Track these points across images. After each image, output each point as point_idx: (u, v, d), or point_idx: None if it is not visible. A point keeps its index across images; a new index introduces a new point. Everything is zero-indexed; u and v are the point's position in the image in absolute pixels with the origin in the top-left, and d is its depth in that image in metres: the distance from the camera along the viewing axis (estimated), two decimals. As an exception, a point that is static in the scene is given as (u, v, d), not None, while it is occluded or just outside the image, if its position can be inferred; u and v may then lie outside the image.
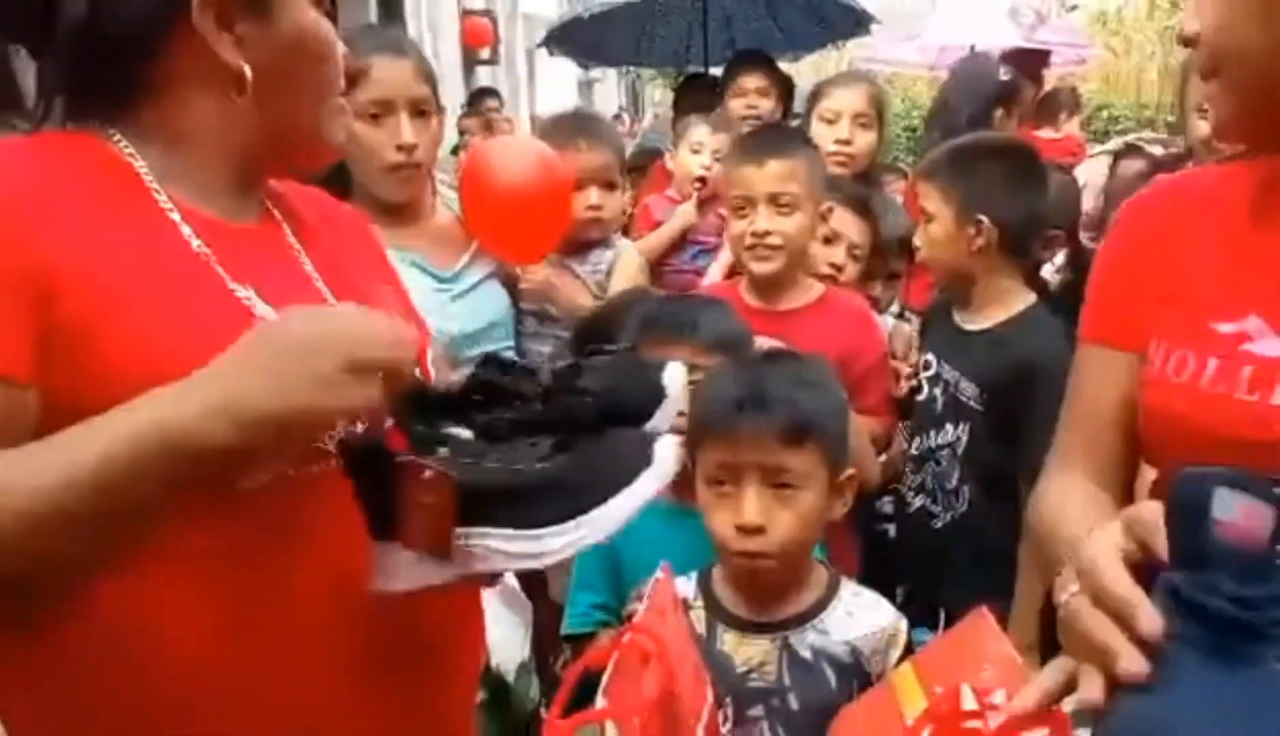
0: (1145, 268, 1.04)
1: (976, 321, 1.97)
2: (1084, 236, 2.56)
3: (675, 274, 2.66)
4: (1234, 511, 0.64)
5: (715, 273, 2.44)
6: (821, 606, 1.33)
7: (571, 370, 0.87)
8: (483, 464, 0.80)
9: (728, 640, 1.31)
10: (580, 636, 1.59)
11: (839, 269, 2.24)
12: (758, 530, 1.28)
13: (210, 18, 0.88)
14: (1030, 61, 4.34)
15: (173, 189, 0.90)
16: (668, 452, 0.82)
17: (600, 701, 0.86)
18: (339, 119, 0.98)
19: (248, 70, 0.89)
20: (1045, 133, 3.96)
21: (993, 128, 3.09)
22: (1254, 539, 0.64)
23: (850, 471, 1.38)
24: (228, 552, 0.84)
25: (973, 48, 4.19)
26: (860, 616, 1.33)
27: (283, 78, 0.92)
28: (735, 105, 3.28)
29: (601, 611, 1.59)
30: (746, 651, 1.30)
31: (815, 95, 2.93)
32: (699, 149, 2.86)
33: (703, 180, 2.77)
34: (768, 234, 1.98)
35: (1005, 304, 1.95)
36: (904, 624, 1.34)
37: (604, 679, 0.89)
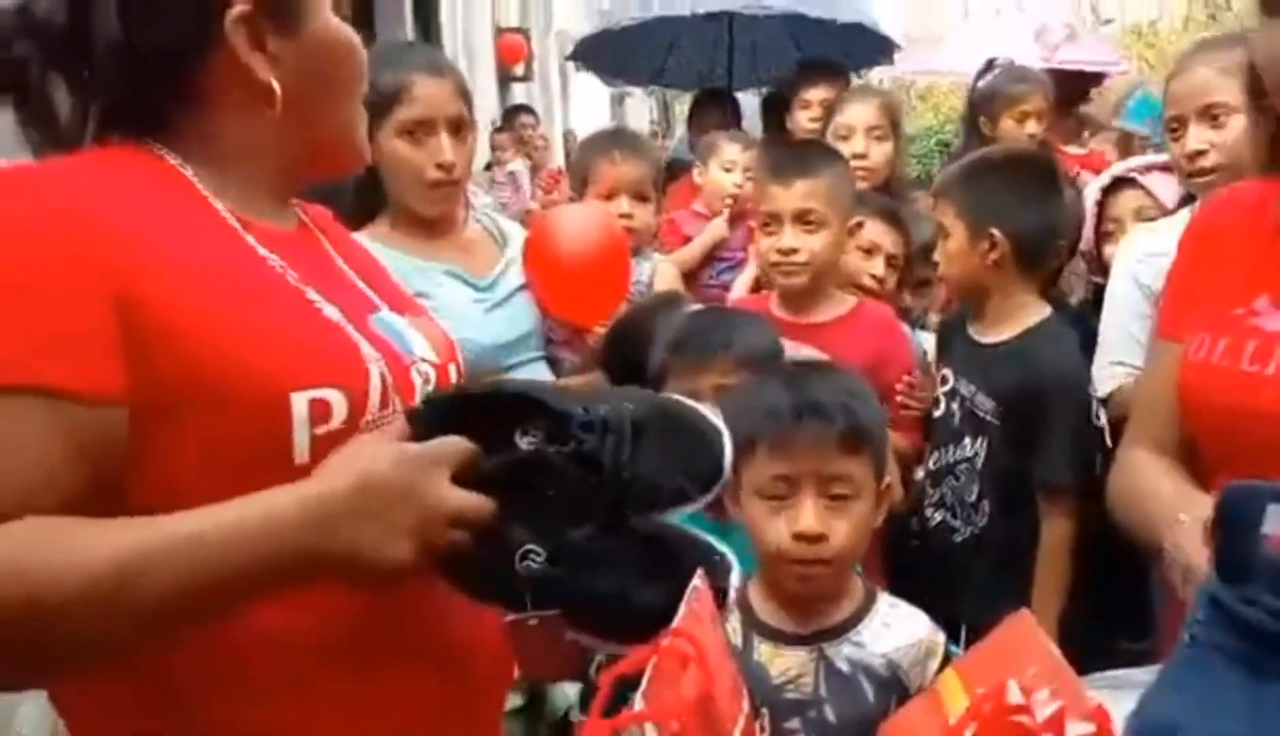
0: (1198, 272, 1.18)
1: (991, 335, 1.99)
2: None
3: (703, 288, 2.68)
4: None
5: (740, 286, 2.47)
6: (858, 618, 1.32)
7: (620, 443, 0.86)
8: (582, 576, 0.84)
9: (764, 651, 1.31)
10: None
11: (880, 281, 2.27)
12: (819, 538, 1.27)
13: (243, 36, 0.90)
14: (1069, 87, 4.29)
15: (221, 200, 0.92)
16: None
17: (639, 704, 0.86)
18: (363, 124, 1.01)
19: (277, 86, 0.91)
20: (1071, 149, 3.92)
21: (983, 138, 3.07)
22: None
23: (888, 480, 1.38)
24: None
25: (990, 62, 4.19)
26: (897, 628, 1.32)
27: (312, 88, 0.95)
28: (800, 117, 3.27)
29: None
30: (783, 663, 1.29)
31: (824, 113, 2.94)
32: (731, 167, 2.90)
33: (734, 197, 2.79)
34: (794, 251, 2.00)
35: (1020, 317, 1.96)
36: (941, 637, 1.33)
37: (643, 682, 0.89)
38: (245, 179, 0.94)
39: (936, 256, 2.07)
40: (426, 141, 1.84)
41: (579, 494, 0.84)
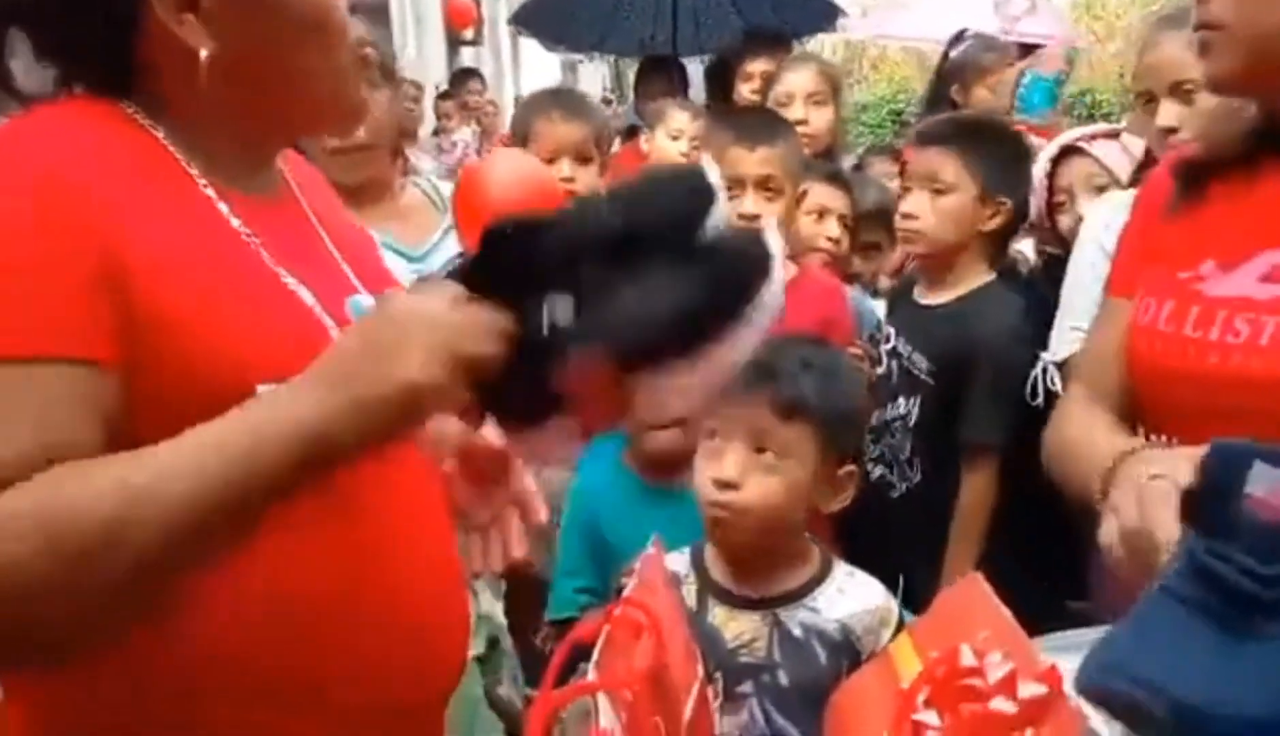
0: (1149, 232, 1.18)
1: (935, 297, 2.02)
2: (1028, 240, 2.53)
3: None
4: (1267, 487, 0.64)
5: None
6: (814, 584, 1.33)
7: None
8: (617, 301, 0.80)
9: (718, 614, 1.31)
10: (565, 621, 1.59)
11: (836, 242, 2.27)
12: (731, 485, 1.29)
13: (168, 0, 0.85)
14: (1029, 52, 4.33)
15: (195, 164, 0.88)
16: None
17: (591, 674, 0.85)
18: (357, 77, 0.95)
19: (204, 52, 0.85)
20: (1029, 118, 3.96)
21: (953, 106, 3.10)
22: None
23: (850, 468, 1.38)
24: (276, 520, 0.83)
25: (961, 34, 4.20)
26: (852, 594, 1.33)
27: (263, 46, 0.88)
28: (743, 89, 3.27)
29: (586, 594, 1.59)
30: (737, 626, 1.30)
31: (764, 83, 2.96)
32: (678, 135, 2.89)
33: None
34: (756, 217, 1.99)
35: (965, 281, 1.99)
36: (895, 605, 1.34)
37: (595, 652, 0.88)
38: (217, 143, 0.89)
39: (913, 208, 2.02)
40: None
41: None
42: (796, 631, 1.30)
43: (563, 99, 2.37)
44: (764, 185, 2.02)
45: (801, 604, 1.32)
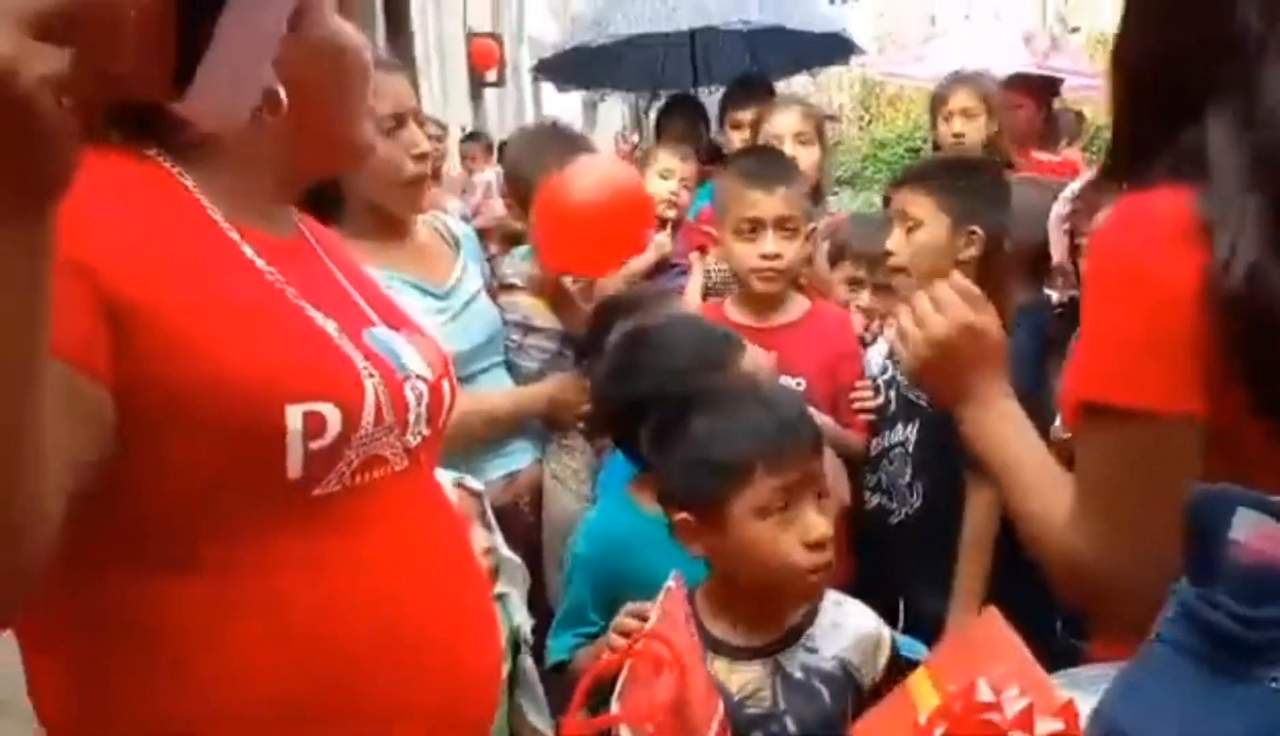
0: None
1: None
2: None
3: None
4: (1253, 533, 0.65)
5: (693, 294, 2.50)
6: (809, 621, 1.31)
7: None
8: None
9: (719, 667, 1.27)
10: (560, 665, 1.58)
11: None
12: (829, 541, 1.25)
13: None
14: (1040, 87, 4.37)
15: (218, 207, 0.90)
16: None
17: (614, 706, 0.87)
18: (367, 119, 0.99)
19: (282, 91, 0.88)
20: (1043, 155, 3.98)
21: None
22: (1268, 561, 0.65)
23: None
24: (291, 557, 0.85)
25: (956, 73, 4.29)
26: (845, 627, 1.31)
27: (315, 89, 0.92)
28: (734, 137, 3.38)
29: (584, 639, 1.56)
30: (740, 678, 1.27)
31: (754, 124, 3.04)
32: (668, 175, 2.93)
33: (674, 206, 2.85)
34: (777, 256, 2.03)
35: None
36: (887, 629, 1.34)
37: (618, 684, 0.89)
38: (245, 184, 0.93)
39: (891, 245, 2.05)
40: (400, 136, 1.80)
41: None
42: (798, 674, 1.28)
43: (562, 143, 2.39)
44: (783, 225, 2.06)
45: (800, 645, 1.29)
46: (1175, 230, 0.88)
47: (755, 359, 1.62)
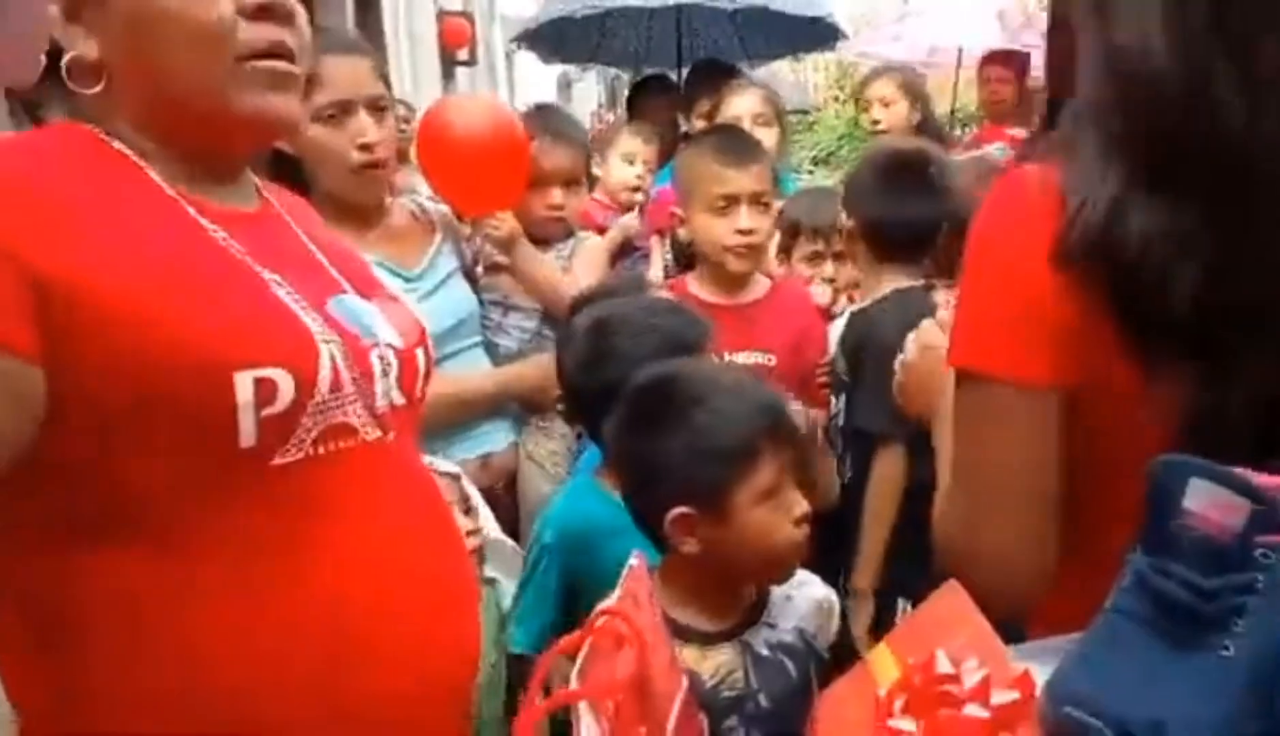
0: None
1: (855, 305, 2.17)
2: None
3: None
4: (1206, 503, 0.66)
5: (656, 273, 2.52)
6: (765, 598, 1.33)
7: None
8: None
9: (689, 655, 1.26)
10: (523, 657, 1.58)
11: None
12: (809, 517, 1.29)
13: (58, 11, 0.87)
14: (1017, 63, 4.38)
15: (166, 179, 0.90)
16: None
17: (574, 683, 0.86)
18: (250, 87, 0.92)
19: (88, 54, 0.87)
20: (1017, 131, 4.00)
21: None
22: (1223, 531, 0.66)
23: None
24: (259, 534, 0.84)
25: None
26: (797, 597, 1.35)
27: (140, 56, 0.89)
28: (697, 124, 3.41)
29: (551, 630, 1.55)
30: (712, 663, 1.27)
31: (712, 109, 3.06)
32: (631, 159, 2.93)
33: (637, 189, 2.85)
34: (752, 231, 2.03)
35: (878, 289, 2.09)
36: (833, 594, 1.38)
37: (578, 662, 0.89)
38: (180, 154, 0.91)
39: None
40: (346, 124, 1.79)
41: None
42: (765, 652, 1.29)
43: (550, 124, 2.36)
44: (757, 200, 2.07)
45: (763, 623, 1.31)
46: (1036, 204, 0.87)
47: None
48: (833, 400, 2.08)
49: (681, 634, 1.27)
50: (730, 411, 1.27)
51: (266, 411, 0.83)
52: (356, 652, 0.88)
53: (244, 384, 0.82)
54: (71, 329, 0.78)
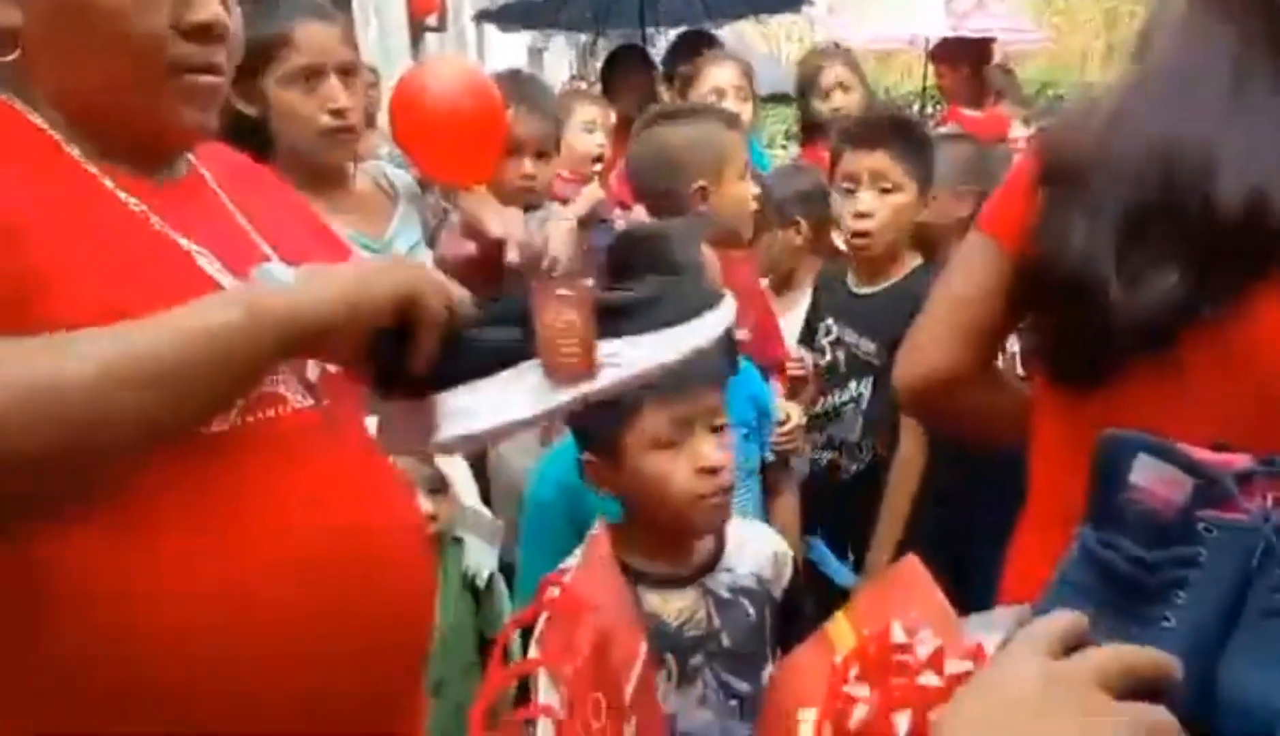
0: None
1: (871, 285, 2.13)
2: None
3: (591, 251, 2.68)
4: (1151, 477, 0.67)
5: None
6: (721, 546, 1.40)
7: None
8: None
9: (653, 599, 1.33)
10: None
11: None
12: (722, 468, 1.33)
13: None
14: (971, 50, 4.40)
15: (74, 147, 0.88)
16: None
17: (533, 651, 0.87)
18: (177, 98, 0.90)
19: (7, 22, 0.84)
20: (970, 112, 4.04)
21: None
22: (1167, 505, 0.67)
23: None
24: (196, 502, 0.83)
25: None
26: (751, 545, 1.42)
27: (65, 43, 0.87)
28: (669, 97, 3.39)
29: None
30: (674, 606, 1.34)
31: (687, 78, 3.05)
32: (592, 128, 2.89)
33: (599, 158, 2.82)
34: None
35: (897, 269, 2.11)
36: (784, 543, 1.47)
37: (536, 630, 0.89)
38: (89, 133, 0.89)
39: (868, 207, 2.09)
40: (317, 88, 1.78)
41: None
42: (726, 594, 1.36)
43: (524, 92, 2.33)
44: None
45: (721, 568, 1.37)
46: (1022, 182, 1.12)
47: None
48: (853, 384, 2.09)
49: (643, 579, 1.34)
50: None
51: None
52: (296, 620, 0.86)
53: None
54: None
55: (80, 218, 0.84)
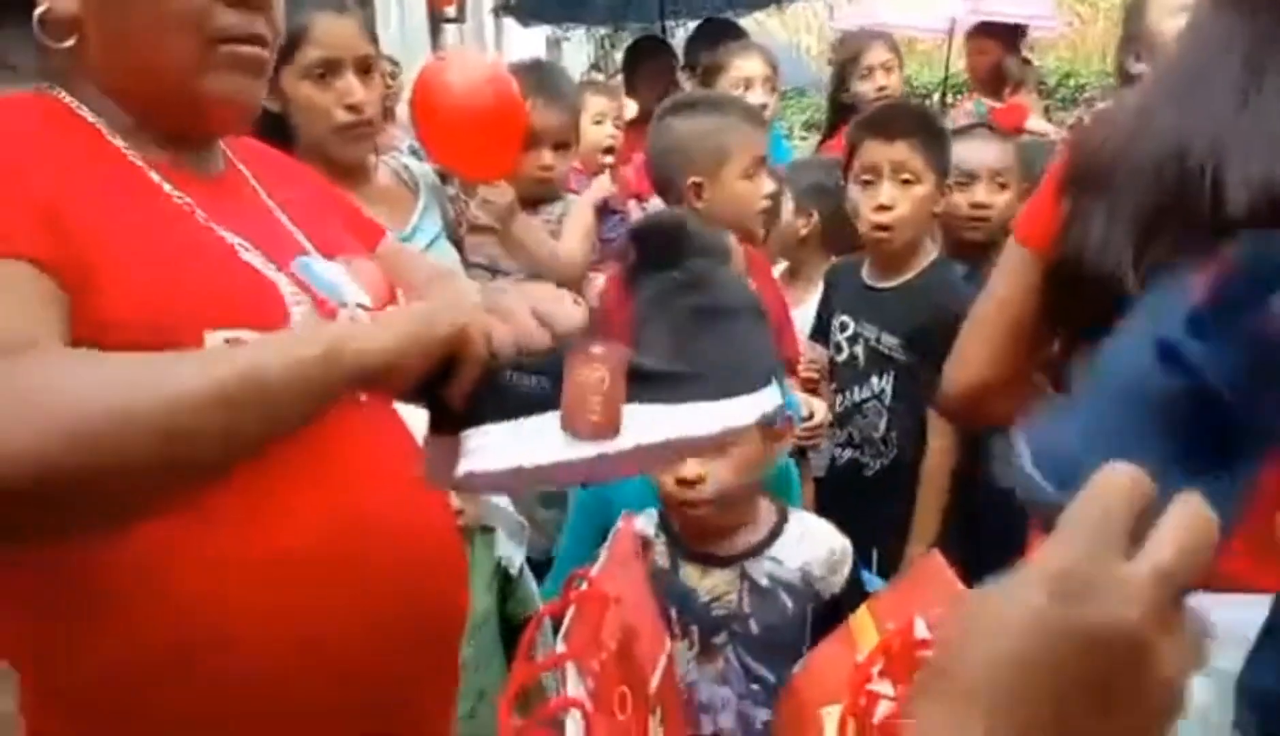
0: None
1: (889, 279, 2.09)
2: None
3: (600, 243, 2.67)
4: None
5: None
6: (774, 537, 1.41)
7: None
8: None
9: (690, 573, 1.39)
10: None
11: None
12: (698, 481, 1.34)
13: None
14: (1003, 35, 4.35)
15: (127, 144, 0.89)
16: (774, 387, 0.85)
17: (560, 647, 0.88)
18: (221, 70, 0.91)
19: (66, 10, 0.86)
20: (989, 101, 4.00)
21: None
22: None
23: (786, 421, 1.49)
24: (226, 495, 0.83)
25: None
26: (809, 541, 1.42)
27: (116, 22, 0.89)
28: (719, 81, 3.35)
29: None
30: (709, 582, 1.38)
31: (711, 69, 3.03)
32: (601, 119, 2.87)
33: (610, 150, 2.80)
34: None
35: (915, 261, 2.07)
36: (849, 546, 1.45)
37: (564, 625, 0.90)
38: (140, 121, 0.91)
39: (886, 199, 2.05)
40: (334, 83, 1.77)
41: None
42: (764, 582, 1.37)
43: (545, 83, 2.31)
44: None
45: (765, 556, 1.39)
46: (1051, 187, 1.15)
47: None
48: (874, 379, 2.05)
49: (686, 554, 1.41)
50: None
51: None
52: (329, 604, 0.88)
53: (214, 343, 0.82)
54: (68, 280, 0.78)
55: (128, 210, 0.86)
